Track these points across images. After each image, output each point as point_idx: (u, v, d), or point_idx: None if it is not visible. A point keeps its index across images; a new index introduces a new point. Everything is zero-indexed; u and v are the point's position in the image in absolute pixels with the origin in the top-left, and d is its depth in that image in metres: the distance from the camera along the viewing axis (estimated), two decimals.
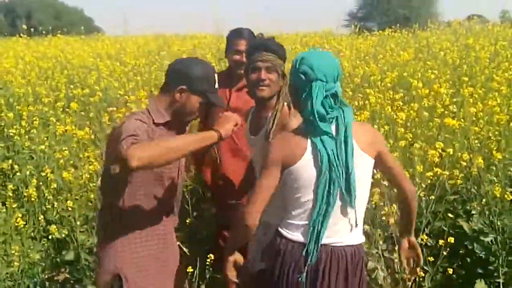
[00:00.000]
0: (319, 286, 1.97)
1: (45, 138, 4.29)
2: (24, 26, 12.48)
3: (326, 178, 1.91)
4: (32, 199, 3.41)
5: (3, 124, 4.57)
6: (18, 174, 4.02)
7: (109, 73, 6.20)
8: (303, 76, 1.96)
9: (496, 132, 3.67)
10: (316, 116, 1.91)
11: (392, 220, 3.05)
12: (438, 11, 28.65)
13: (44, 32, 12.90)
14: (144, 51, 8.89)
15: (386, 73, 5.07)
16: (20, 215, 3.42)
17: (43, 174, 3.71)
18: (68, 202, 3.32)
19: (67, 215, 3.37)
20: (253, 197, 1.98)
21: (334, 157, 1.90)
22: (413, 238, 2.26)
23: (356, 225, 2.01)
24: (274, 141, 2.04)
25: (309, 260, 1.95)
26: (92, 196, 3.42)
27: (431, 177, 3.01)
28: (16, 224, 3.35)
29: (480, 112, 3.74)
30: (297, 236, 1.99)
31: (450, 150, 3.04)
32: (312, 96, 1.92)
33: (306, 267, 1.95)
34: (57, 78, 6.31)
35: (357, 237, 2.03)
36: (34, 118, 4.48)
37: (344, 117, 1.93)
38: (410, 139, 3.28)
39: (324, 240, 1.95)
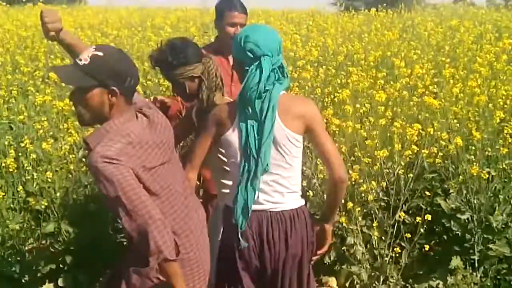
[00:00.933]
0: (266, 250, 2.10)
1: (24, 108, 4.20)
2: None
3: (244, 151, 2.07)
4: (11, 169, 3.36)
5: None
6: None
7: (89, 43, 6.08)
8: (250, 54, 2.05)
9: (476, 113, 3.72)
10: (256, 92, 2.03)
11: (371, 197, 3.09)
12: None
13: (24, 0, 12.57)
14: (127, 22, 8.74)
15: (370, 52, 5.07)
16: None
17: (22, 144, 3.65)
18: (48, 173, 3.28)
19: (46, 186, 3.33)
20: (190, 155, 2.18)
21: (253, 130, 2.05)
22: (328, 226, 2.26)
23: (292, 191, 2.14)
24: (213, 111, 2.17)
25: (239, 225, 2.07)
26: (72, 167, 3.39)
27: (410, 156, 3.05)
28: None
29: (461, 93, 3.77)
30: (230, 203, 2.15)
31: (431, 130, 3.07)
32: (262, 71, 2.03)
33: (240, 234, 2.08)
34: (37, 48, 6.16)
35: (295, 202, 2.15)
36: (13, 88, 4.39)
37: (272, 91, 2.04)
38: (389, 118, 3.30)
39: (258, 207, 2.08)
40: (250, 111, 2.05)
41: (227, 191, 2.22)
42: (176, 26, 7.54)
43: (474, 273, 3.14)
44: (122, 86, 1.81)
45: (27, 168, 3.52)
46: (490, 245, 3.22)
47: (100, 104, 1.81)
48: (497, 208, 3.24)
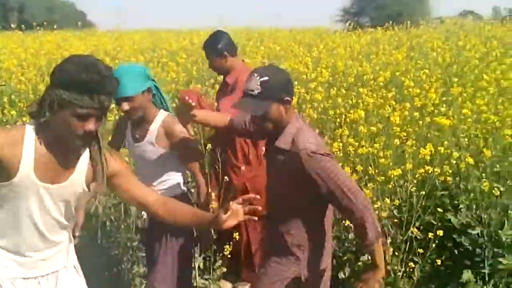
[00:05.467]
0: None
1: None
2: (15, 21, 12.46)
3: None
4: None
5: (5, 120, 4.64)
6: None
7: None
8: None
9: (484, 130, 3.83)
10: None
11: (384, 214, 3.20)
12: (431, 5, 28.64)
13: (37, 26, 12.90)
14: (141, 48, 8.96)
15: (379, 72, 5.21)
16: None
17: None
18: None
19: None
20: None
21: None
22: None
23: None
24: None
25: None
26: None
27: (422, 174, 3.16)
28: None
29: (469, 111, 3.89)
30: None
31: (441, 149, 3.18)
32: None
33: None
34: None
35: None
36: None
37: None
38: (403, 138, 3.42)
39: None
40: None
41: None
42: (190, 50, 7.73)
43: (485, 287, 3.22)
44: (291, 93, 2.20)
45: None
46: (500, 259, 3.30)
47: (279, 115, 2.17)
48: (506, 223, 3.33)
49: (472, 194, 3.33)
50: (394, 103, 4.05)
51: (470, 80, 5.09)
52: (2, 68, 6.00)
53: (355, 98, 4.49)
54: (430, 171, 3.13)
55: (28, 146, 1.79)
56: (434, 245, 3.12)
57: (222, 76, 3.75)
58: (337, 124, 4.19)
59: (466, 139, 3.58)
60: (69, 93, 1.73)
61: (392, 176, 3.20)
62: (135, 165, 3.05)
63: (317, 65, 5.67)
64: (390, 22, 12.03)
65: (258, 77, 2.14)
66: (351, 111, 4.05)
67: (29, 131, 1.82)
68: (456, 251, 3.54)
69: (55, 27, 11.95)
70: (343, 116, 4.15)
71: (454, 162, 3.22)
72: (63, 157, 1.86)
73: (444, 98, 4.36)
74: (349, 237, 3.55)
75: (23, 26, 13.33)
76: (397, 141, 3.29)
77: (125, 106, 2.62)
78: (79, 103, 1.73)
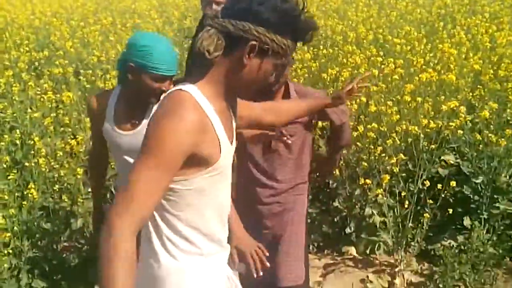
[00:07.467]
0: None
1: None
2: None
3: None
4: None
5: None
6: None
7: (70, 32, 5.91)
8: None
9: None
10: None
11: (396, 169, 3.31)
12: None
13: None
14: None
15: (355, 29, 5.21)
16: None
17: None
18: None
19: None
20: None
21: None
22: None
23: None
24: None
25: None
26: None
27: (433, 128, 3.28)
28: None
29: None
30: None
31: (451, 104, 3.28)
32: None
33: None
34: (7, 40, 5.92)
35: None
36: (15, 84, 4.27)
37: None
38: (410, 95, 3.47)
39: None
40: None
41: None
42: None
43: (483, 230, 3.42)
44: None
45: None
46: (497, 204, 3.52)
47: None
48: (502, 170, 3.53)
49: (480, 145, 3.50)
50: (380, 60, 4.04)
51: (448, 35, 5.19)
52: None
53: (341, 57, 4.50)
54: (440, 125, 3.26)
55: (215, 121, 1.41)
56: (443, 195, 3.27)
57: None
58: (330, 83, 4.20)
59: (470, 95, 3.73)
60: (280, 37, 1.35)
61: (401, 131, 3.31)
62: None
63: None
64: None
65: None
66: (344, 70, 4.08)
67: (202, 102, 1.38)
68: (451, 200, 3.72)
69: None
70: (336, 74, 4.15)
71: (463, 116, 3.34)
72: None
73: (431, 54, 4.43)
74: (355, 194, 3.65)
75: None
76: (406, 98, 3.37)
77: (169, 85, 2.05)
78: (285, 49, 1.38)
